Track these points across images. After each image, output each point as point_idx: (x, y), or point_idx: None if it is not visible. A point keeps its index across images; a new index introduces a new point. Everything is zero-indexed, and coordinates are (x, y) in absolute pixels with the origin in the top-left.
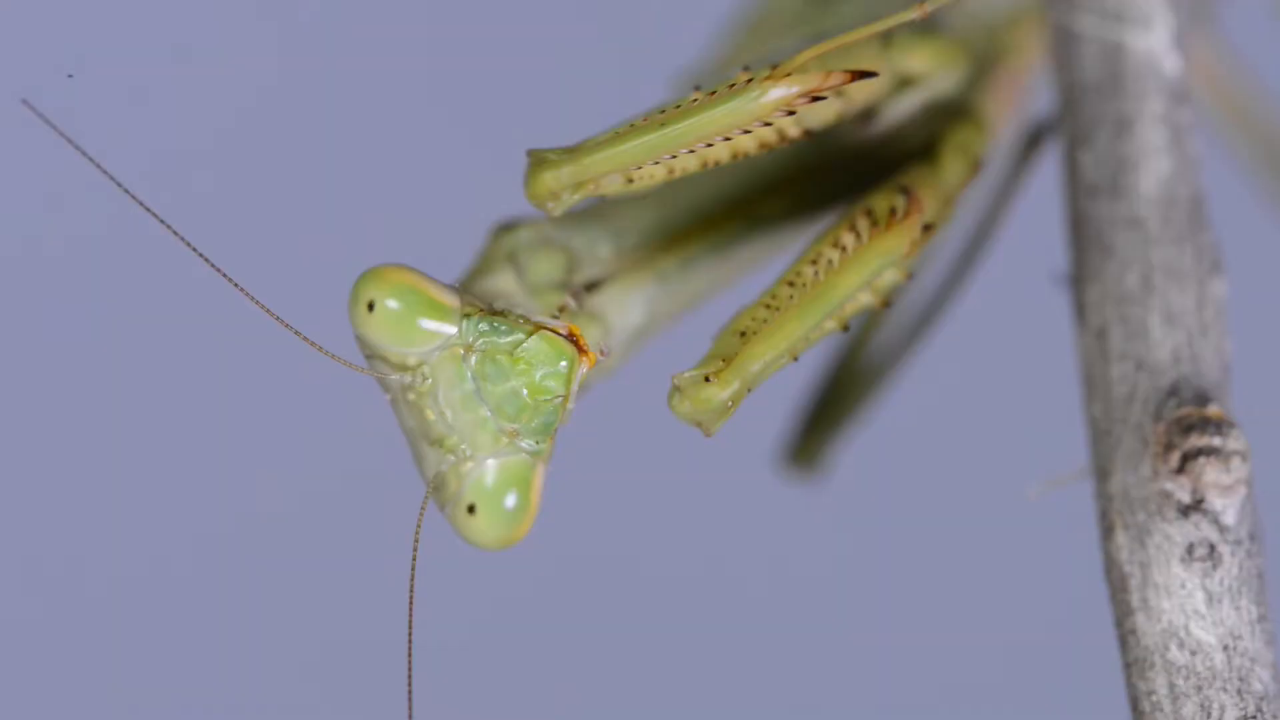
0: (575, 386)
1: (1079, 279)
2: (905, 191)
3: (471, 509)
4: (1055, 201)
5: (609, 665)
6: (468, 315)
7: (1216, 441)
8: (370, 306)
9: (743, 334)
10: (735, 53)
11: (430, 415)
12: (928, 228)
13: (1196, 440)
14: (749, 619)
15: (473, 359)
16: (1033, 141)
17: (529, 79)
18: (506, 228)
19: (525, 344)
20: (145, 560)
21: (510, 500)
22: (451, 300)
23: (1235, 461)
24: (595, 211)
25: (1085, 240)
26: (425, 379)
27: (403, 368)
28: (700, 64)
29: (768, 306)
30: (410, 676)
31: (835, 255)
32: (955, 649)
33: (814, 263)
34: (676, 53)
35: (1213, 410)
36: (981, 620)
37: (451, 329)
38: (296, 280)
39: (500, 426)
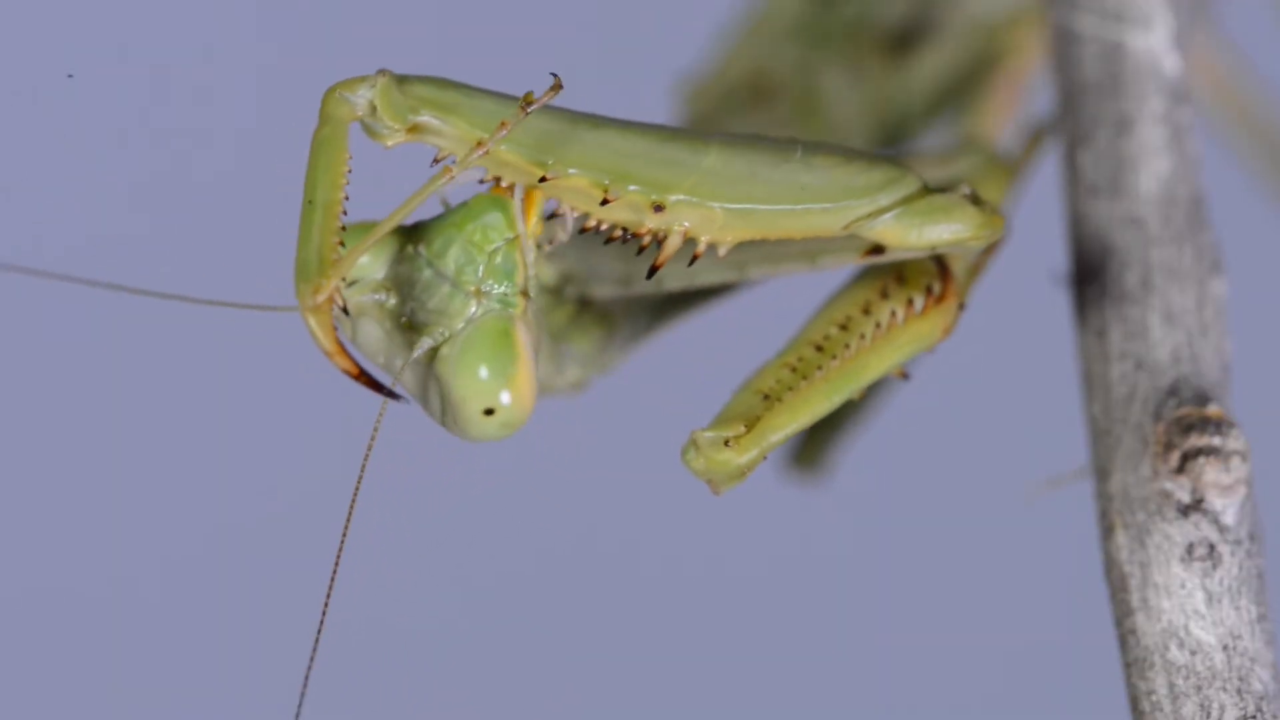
0: (521, 229)
1: (1079, 279)
2: (937, 261)
3: (465, 379)
4: (1055, 201)
5: (609, 664)
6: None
7: (1216, 441)
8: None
9: (765, 396)
10: (736, 54)
11: (405, 319)
12: (961, 307)
13: (1196, 440)
14: (749, 619)
15: (421, 248)
16: (1033, 141)
17: (529, 79)
18: None
19: (467, 207)
20: (145, 560)
21: (494, 354)
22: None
23: (1235, 461)
24: (587, 243)
25: (1085, 240)
26: (390, 290)
27: (375, 288)
28: (701, 64)
29: (793, 370)
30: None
31: (867, 327)
32: (955, 648)
33: (844, 328)
34: (676, 53)
35: (1212, 410)
36: (981, 620)
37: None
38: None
39: (466, 292)
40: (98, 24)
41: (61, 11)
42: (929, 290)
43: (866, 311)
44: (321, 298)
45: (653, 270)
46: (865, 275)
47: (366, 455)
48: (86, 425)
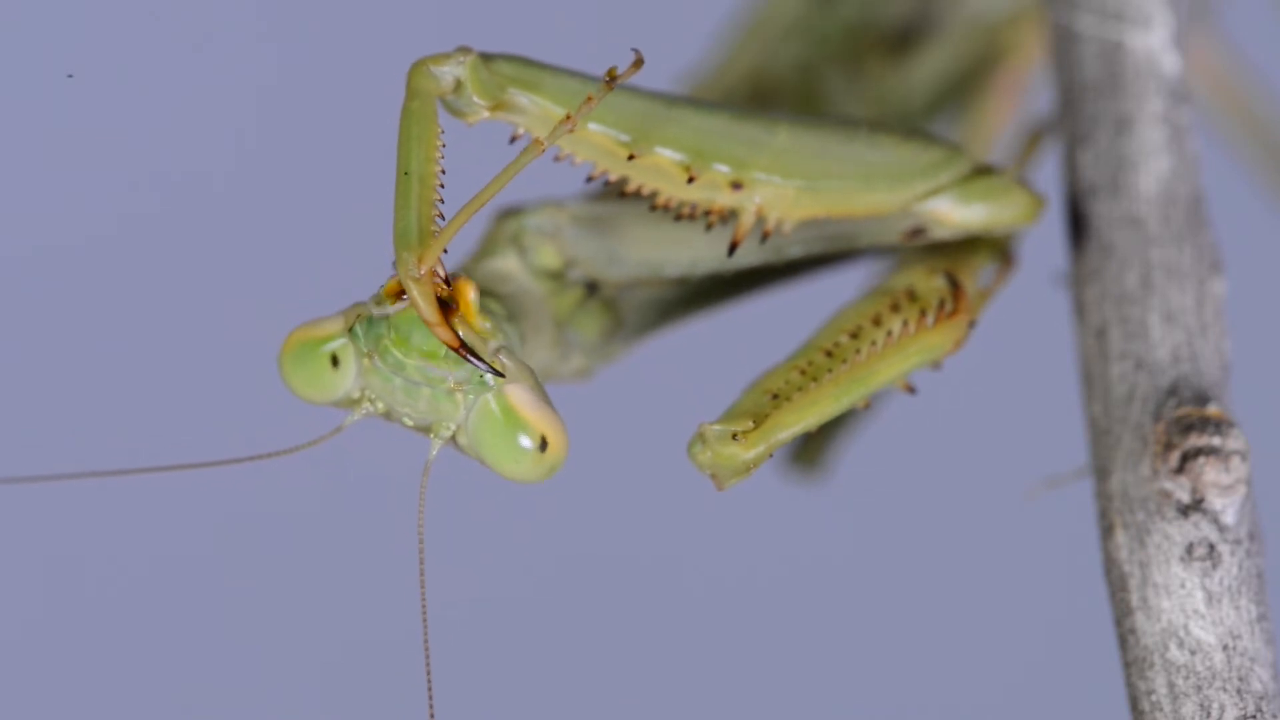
0: (443, 335)
1: (1079, 279)
2: (950, 279)
3: (493, 456)
4: (1055, 201)
5: (609, 664)
6: (350, 328)
7: (1216, 441)
8: (298, 393)
9: (774, 396)
10: (736, 53)
11: (406, 420)
12: (972, 324)
13: (1196, 440)
14: (749, 619)
15: (378, 360)
16: (1033, 141)
17: None
18: (511, 212)
19: (389, 322)
20: (146, 560)
21: (510, 429)
22: (329, 328)
23: (1235, 461)
24: (606, 226)
25: (1085, 240)
26: (373, 400)
27: (358, 403)
28: (701, 64)
29: (802, 372)
30: (429, 665)
31: (878, 336)
32: (954, 649)
33: (854, 336)
34: (677, 53)
35: (1212, 410)
36: (981, 619)
37: (346, 349)
38: (304, 280)
39: (447, 390)
40: (98, 23)
41: (61, 11)
42: (940, 305)
43: (877, 322)
44: (424, 268)
45: (733, 247)
46: (877, 290)
47: (426, 469)
48: (84, 424)
